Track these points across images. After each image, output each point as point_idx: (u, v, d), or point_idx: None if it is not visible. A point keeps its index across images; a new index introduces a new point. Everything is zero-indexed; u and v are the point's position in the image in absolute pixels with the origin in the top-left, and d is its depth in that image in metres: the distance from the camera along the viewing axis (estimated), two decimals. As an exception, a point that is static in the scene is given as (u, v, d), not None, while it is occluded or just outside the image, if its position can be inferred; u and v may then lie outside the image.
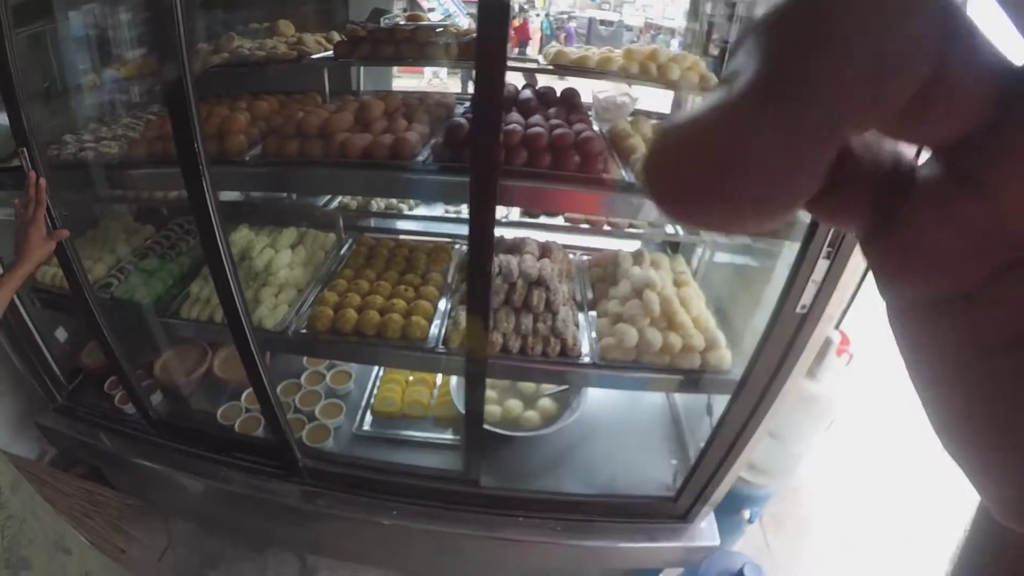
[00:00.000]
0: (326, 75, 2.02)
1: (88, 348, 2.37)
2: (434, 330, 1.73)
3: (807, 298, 1.39)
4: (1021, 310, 0.17)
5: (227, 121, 1.64)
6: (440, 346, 1.69)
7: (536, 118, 1.56)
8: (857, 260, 1.32)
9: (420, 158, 1.52)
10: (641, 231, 2.23)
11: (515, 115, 1.58)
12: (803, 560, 2.90)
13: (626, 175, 1.50)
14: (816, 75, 0.15)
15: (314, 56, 1.92)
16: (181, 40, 1.21)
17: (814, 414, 2.14)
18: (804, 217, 1.41)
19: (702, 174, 0.17)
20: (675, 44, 2.46)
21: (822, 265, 1.33)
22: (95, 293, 1.92)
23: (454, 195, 1.65)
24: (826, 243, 1.30)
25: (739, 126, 0.16)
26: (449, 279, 1.97)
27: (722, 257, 2.19)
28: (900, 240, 0.19)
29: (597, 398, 2.21)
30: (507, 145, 1.45)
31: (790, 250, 1.79)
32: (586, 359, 1.70)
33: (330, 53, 1.92)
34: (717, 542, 1.97)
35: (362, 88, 2.18)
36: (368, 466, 2.00)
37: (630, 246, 2.25)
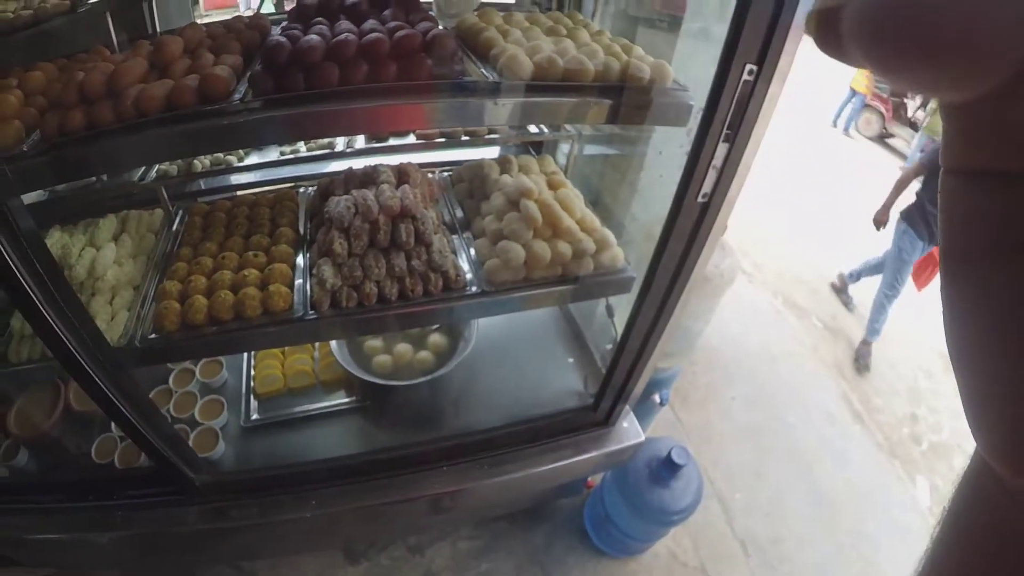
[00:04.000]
0: (111, 22, 1.54)
1: None
2: (299, 295, 1.39)
3: (708, 185, 1.19)
4: None
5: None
6: (310, 312, 1.35)
7: (371, 23, 1.23)
8: (755, 142, 1.13)
9: (237, 96, 1.13)
10: (498, 136, 1.92)
11: (345, 23, 1.24)
12: (713, 425, 2.85)
13: (488, 74, 1.20)
14: None
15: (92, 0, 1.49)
16: None
17: (710, 293, 1.99)
18: (689, 100, 1.24)
19: (946, 29, 0.18)
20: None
21: (722, 149, 1.13)
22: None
23: (287, 134, 1.26)
24: (725, 126, 1.10)
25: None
26: (301, 229, 1.61)
27: (592, 149, 1.96)
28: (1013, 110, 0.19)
29: (488, 321, 1.97)
30: (341, 60, 1.12)
31: (660, 134, 1.59)
32: (473, 288, 1.43)
33: None
34: (643, 438, 1.82)
35: (159, 31, 1.69)
36: (269, 465, 1.70)
37: (490, 154, 1.98)
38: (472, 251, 1.52)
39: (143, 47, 1.31)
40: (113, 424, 1.81)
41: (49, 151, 1.14)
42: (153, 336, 1.37)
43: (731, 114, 1.08)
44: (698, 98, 1.21)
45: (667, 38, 1.59)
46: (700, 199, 1.20)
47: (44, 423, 1.87)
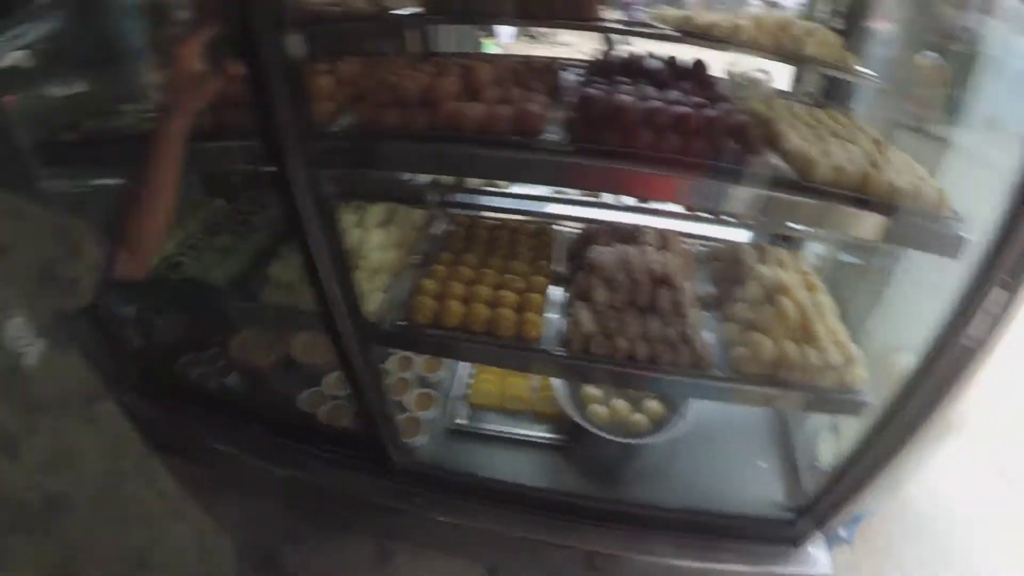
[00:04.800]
0: (408, 36, 1.73)
1: (161, 325, 2.17)
2: (548, 329, 1.46)
3: (977, 330, 1.12)
4: None
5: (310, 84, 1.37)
6: (559, 348, 1.42)
7: (676, 95, 1.28)
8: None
9: (547, 135, 1.21)
10: (754, 221, 1.93)
11: (650, 90, 1.30)
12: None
13: (781, 167, 1.21)
14: None
15: (399, 12, 1.64)
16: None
17: (931, 440, 1.83)
18: (964, 232, 1.16)
19: None
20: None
21: (999, 295, 1.07)
22: (163, 272, 1.72)
23: (592, 183, 1.33)
24: (1007, 272, 1.05)
25: None
26: (558, 267, 1.67)
27: (842, 255, 1.88)
28: None
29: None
30: (654, 125, 1.18)
31: (917, 254, 1.51)
32: (717, 372, 1.43)
33: (417, 9, 1.64)
34: (830, 572, 1.70)
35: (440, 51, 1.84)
36: (459, 471, 1.78)
37: (742, 235, 1.99)
38: (719, 333, 1.52)
39: (450, 67, 1.44)
40: (323, 381, 1.99)
41: (366, 136, 1.29)
42: (403, 323, 1.50)
43: (1016, 261, 1.02)
44: (969, 226, 1.16)
45: (933, 148, 1.52)
46: (966, 342, 1.14)
47: (263, 360, 2.08)
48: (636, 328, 1.41)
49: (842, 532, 2.01)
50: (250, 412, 2.00)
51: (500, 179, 1.90)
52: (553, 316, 1.50)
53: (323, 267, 1.26)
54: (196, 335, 2.26)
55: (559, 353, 1.40)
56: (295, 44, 1.04)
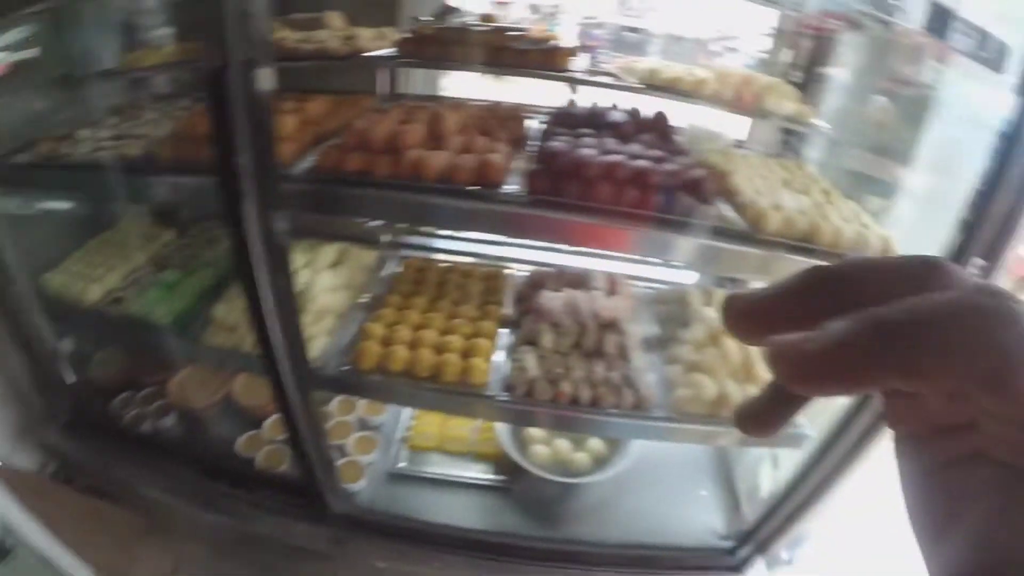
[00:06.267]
0: (378, 76, 1.85)
1: (96, 361, 2.19)
2: (495, 374, 1.56)
3: None
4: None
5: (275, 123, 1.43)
6: (503, 394, 1.51)
7: (637, 148, 1.39)
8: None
9: (508, 187, 1.32)
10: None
11: (611, 143, 1.41)
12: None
13: (737, 220, 1.34)
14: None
15: (371, 53, 1.74)
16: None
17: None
18: None
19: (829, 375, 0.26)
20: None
21: None
22: (104, 308, 1.79)
23: (551, 236, 1.43)
24: None
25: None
26: (507, 311, 1.77)
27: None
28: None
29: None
30: (614, 179, 1.28)
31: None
32: (659, 413, 1.54)
33: (389, 51, 1.75)
34: (772, 597, 1.84)
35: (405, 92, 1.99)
36: (403, 515, 1.85)
37: (689, 278, 2.13)
38: (661, 374, 1.65)
39: (416, 112, 1.53)
40: (264, 424, 2.04)
41: (328, 182, 1.36)
42: (346, 368, 1.58)
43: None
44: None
45: (883, 193, 1.68)
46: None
47: (202, 402, 2.12)
48: (581, 372, 1.52)
49: (784, 555, 2.17)
50: (184, 456, 2.03)
51: (459, 229, 2.02)
52: (500, 361, 1.59)
53: (268, 310, 1.31)
54: (134, 373, 2.28)
55: (502, 398, 1.49)
56: (264, 81, 1.09)
